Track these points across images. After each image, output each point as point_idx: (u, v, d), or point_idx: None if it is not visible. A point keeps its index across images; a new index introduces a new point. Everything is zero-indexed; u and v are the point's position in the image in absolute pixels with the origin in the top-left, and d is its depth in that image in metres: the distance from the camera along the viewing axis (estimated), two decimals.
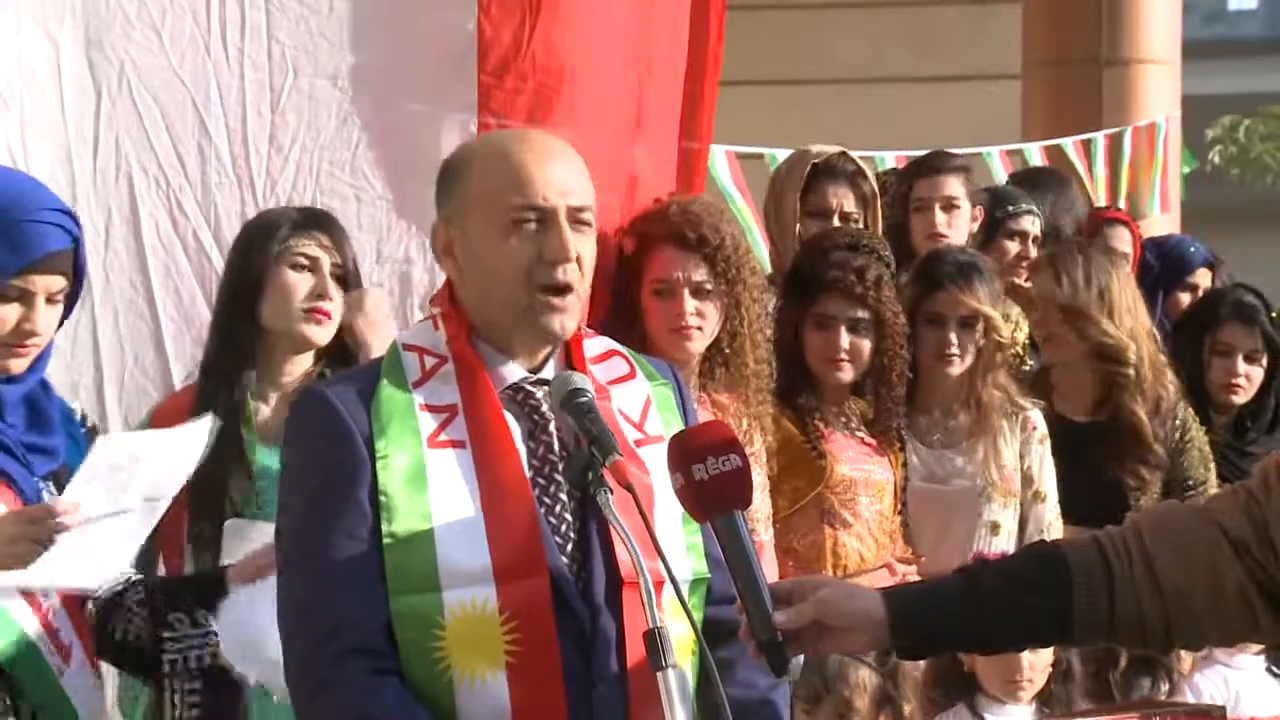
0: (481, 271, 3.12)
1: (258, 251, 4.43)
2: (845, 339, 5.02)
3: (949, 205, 6.13)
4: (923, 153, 6.58)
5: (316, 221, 4.49)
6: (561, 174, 3.11)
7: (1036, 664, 4.82)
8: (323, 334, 4.44)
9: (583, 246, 3.11)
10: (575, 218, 3.11)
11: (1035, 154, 9.23)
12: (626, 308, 4.72)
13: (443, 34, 5.00)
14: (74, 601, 3.78)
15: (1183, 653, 5.13)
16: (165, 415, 4.27)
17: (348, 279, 4.50)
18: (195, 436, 3.77)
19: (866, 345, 5.05)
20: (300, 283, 4.42)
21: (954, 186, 6.16)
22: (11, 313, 3.64)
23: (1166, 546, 3.01)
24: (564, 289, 3.09)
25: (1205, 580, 2.99)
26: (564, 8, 5.04)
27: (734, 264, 4.69)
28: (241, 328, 4.42)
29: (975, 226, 6.23)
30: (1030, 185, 7.02)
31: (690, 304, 4.67)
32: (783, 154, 8.02)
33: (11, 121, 4.61)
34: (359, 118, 4.98)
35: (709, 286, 4.68)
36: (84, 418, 3.97)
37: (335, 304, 4.45)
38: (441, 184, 3.19)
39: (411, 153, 5.01)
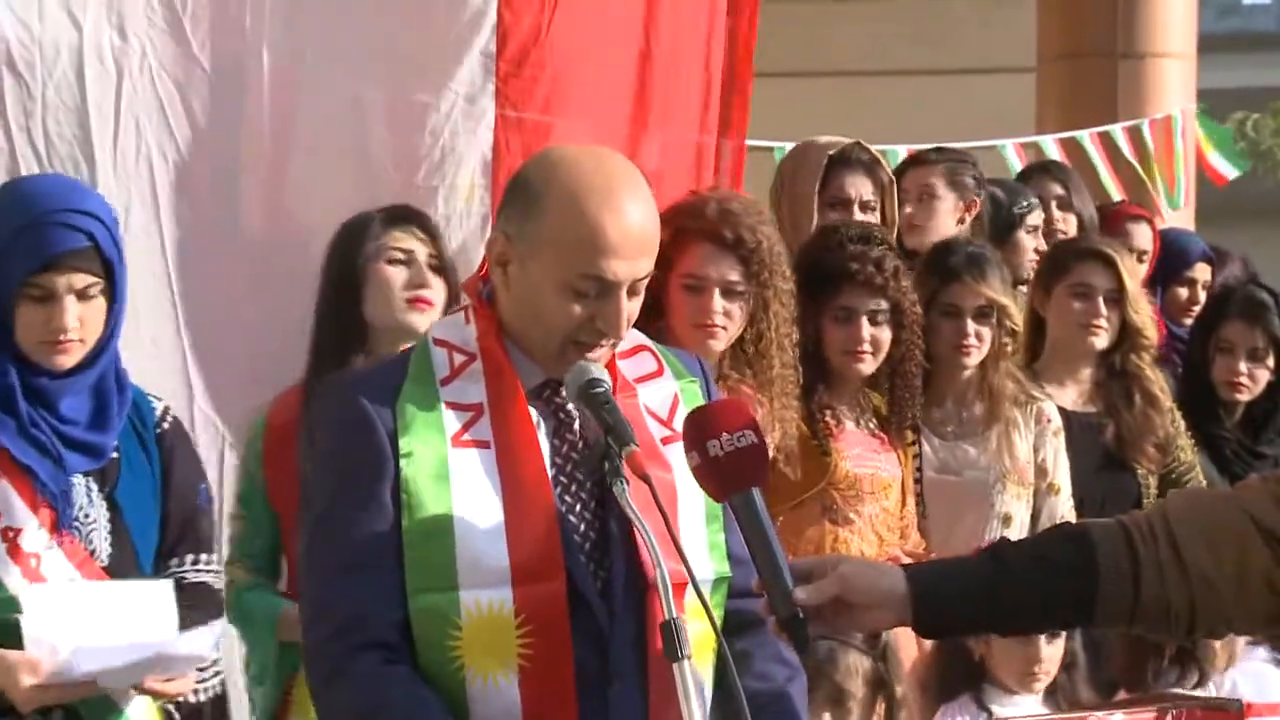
0: (530, 306, 3.09)
1: (354, 250, 4.51)
2: (867, 330, 5.01)
3: (925, 195, 6.12)
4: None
5: (407, 216, 4.56)
6: (637, 246, 3.06)
7: (1054, 655, 4.84)
8: (425, 321, 4.48)
9: (633, 311, 3.10)
10: (634, 287, 3.09)
11: (1051, 147, 9.22)
12: (651, 296, 4.70)
13: (461, 21, 5.00)
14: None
15: (1218, 650, 5.16)
16: (280, 412, 4.35)
17: (445, 269, 4.55)
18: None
19: (887, 335, 5.04)
20: (398, 275, 4.49)
21: (927, 176, 6.15)
22: (39, 313, 3.77)
23: (1194, 531, 3.01)
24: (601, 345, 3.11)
25: (1232, 567, 2.99)
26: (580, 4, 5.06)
27: (767, 266, 4.68)
28: (346, 325, 4.48)
29: (970, 216, 6.22)
30: (1045, 173, 7.01)
31: (719, 303, 4.66)
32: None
33: (33, 105, 4.62)
34: (375, 105, 4.99)
35: (740, 288, 4.67)
36: (162, 417, 4.00)
37: (436, 292, 4.52)
38: (513, 198, 3.12)
39: (426, 141, 5.03)
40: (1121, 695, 5.07)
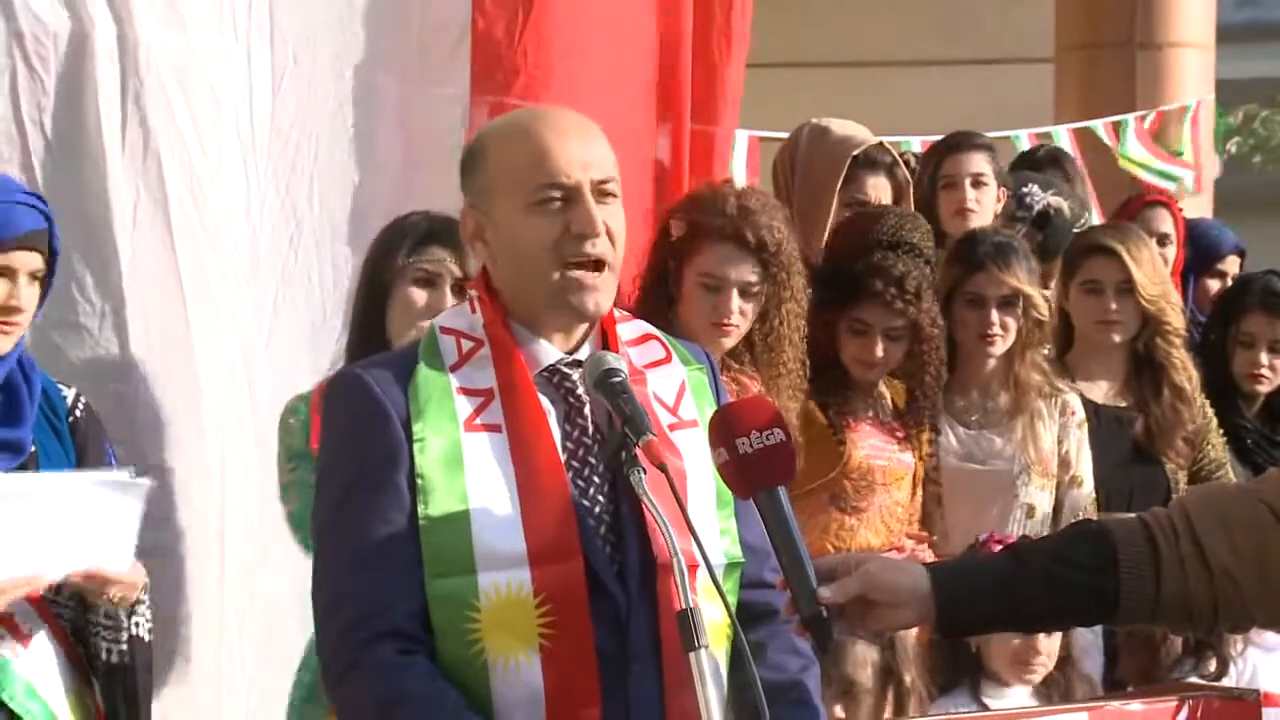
0: (511, 253, 3.11)
1: (384, 264, 4.50)
2: (880, 348, 5.01)
3: (977, 182, 6.10)
4: None
5: (439, 234, 4.51)
6: (581, 148, 3.10)
7: (1051, 648, 4.83)
8: None
9: (610, 218, 3.10)
10: (600, 190, 3.09)
11: (1064, 137, 9.18)
12: (662, 289, 4.71)
13: (439, 24, 5.07)
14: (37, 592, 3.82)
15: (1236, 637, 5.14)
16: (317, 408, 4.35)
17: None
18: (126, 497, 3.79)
19: (901, 350, 5.05)
20: (420, 298, 4.46)
21: (981, 163, 6.13)
22: None
23: (1214, 525, 3.00)
24: (595, 264, 3.09)
25: (1253, 559, 2.98)
26: (559, 3, 5.07)
27: (784, 267, 4.71)
28: (371, 338, 4.47)
29: (1000, 207, 6.20)
30: (1038, 167, 6.96)
31: (736, 303, 4.68)
32: None
33: (46, 99, 4.62)
34: (355, 103, 5.02)
35: (756, 288, 4.70)
36: (74, 405, 3.96)
37: None
38: (465, 169, 3.18)
39: (406, 138, 5.07)
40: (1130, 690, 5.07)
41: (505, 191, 3.10)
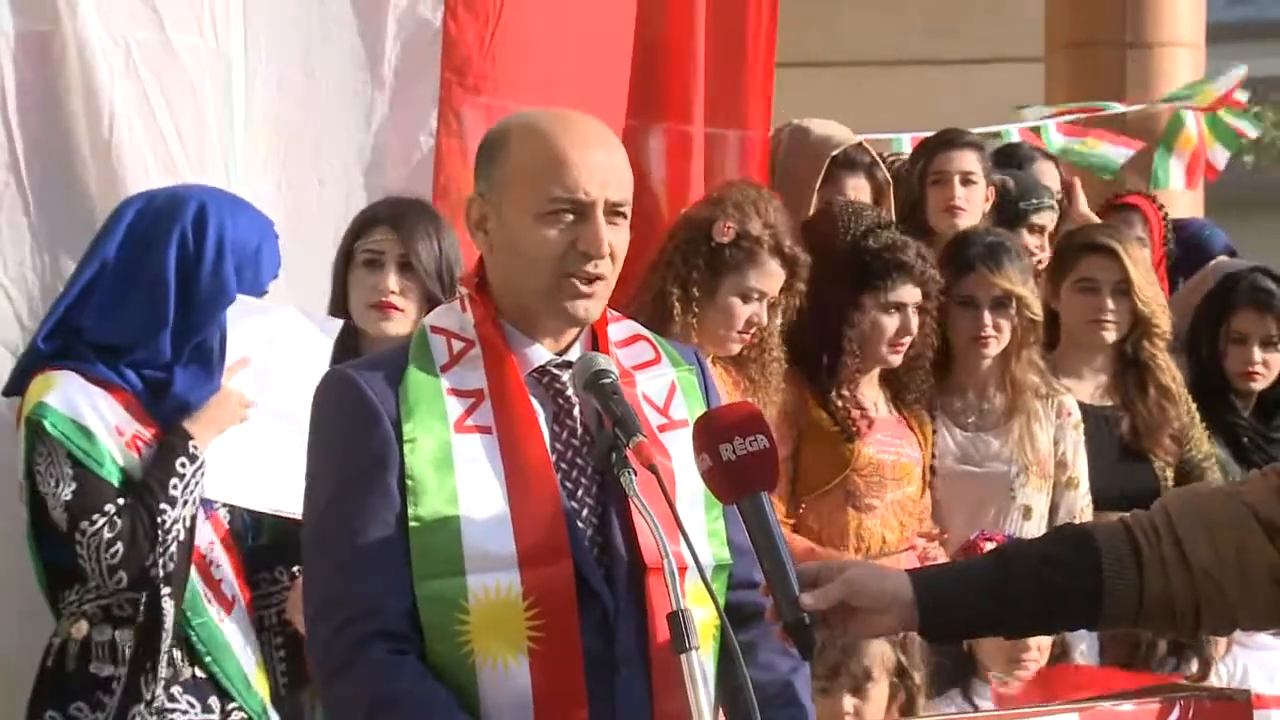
0: (513, 252, 3.10)
1: (342, 253, 4.54)
2: (914, 322, 5.05)
3: (966, 180, 6.09)
4: None
5: (382, 216, 4.55)
6: (602, 164, 3.08)
7: (1044, 644, 4.83)
8: (393, 327, 4.44)
9: (616, 238, 3.09)
10: (613, 210, 3.08)
11: (1054, 133, 9.16)
12: (682, 289, 4.76)
13: (410, 26, 5.08)
14: (238, 560, 4.27)
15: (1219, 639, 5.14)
16: None
17: (420, 269, 4.47)
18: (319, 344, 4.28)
19: (917, 325, 5.08)
20: (366, 279, 4.48)
21: (970, 161, 6.12)
22: None
23: (1196, 527, 3.00)
24: (593, 279, 3.09)
25: (1235, 561, 2.98)
26: (530, 8, 5.08)
27: (801, 279, 4.82)
28: (345, 329, 4.50)
29: (988, 206, 6.19)
30: (1002, 160, 6.95)
31: (763, 314, 4.79)
32: None
33: (29, 102, 4.62)
34: (323, 105, 5.04)
35: (771, 298, 4.81)
36: None
37: (406, 295, 4.46)
38: (481, 157, 3.16)
39: (376, 139, 5.07)
40: None
41: (518, 192, 3.08)
